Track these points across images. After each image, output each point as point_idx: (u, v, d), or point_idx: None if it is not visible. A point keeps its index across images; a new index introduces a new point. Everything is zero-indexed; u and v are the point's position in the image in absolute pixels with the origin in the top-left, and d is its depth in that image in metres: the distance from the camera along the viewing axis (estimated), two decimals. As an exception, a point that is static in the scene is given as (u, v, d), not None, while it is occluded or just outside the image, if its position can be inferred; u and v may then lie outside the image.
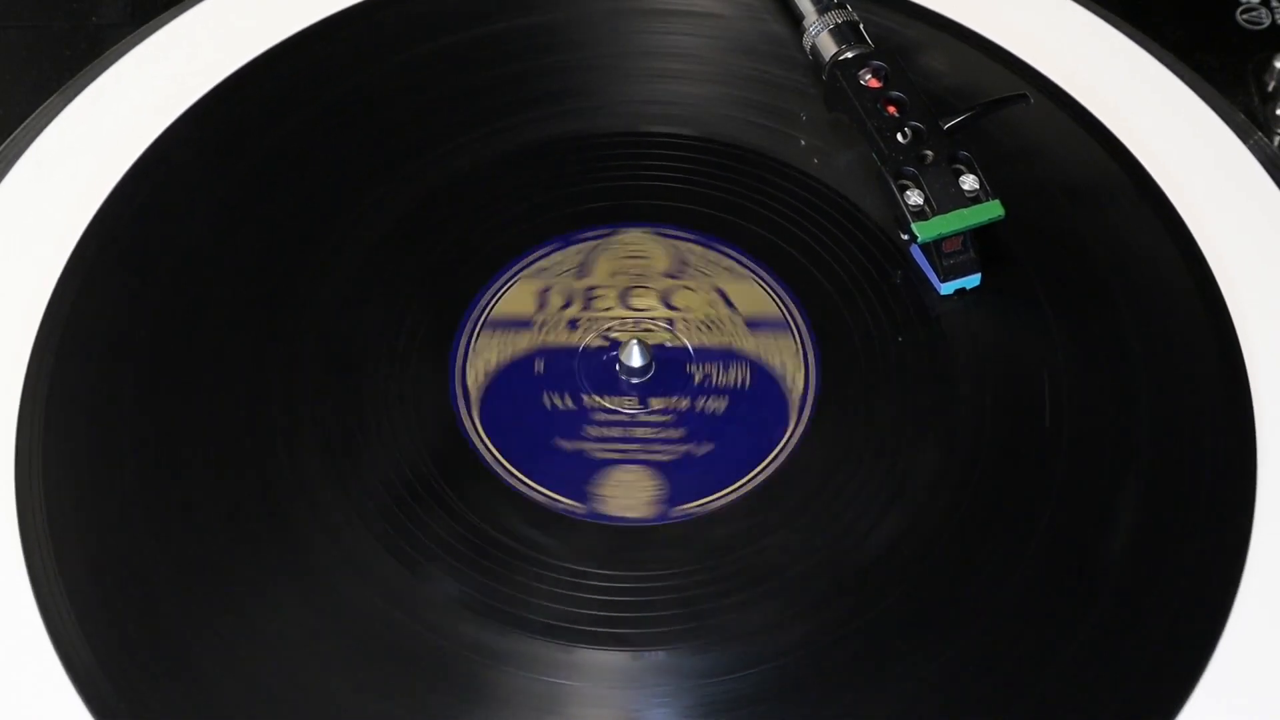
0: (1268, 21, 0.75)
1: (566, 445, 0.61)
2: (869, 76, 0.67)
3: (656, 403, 0.63)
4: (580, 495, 0.60)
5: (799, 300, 0.65)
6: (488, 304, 0.64)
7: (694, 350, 0.64)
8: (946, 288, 0.65)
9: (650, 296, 0.65)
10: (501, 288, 0.65)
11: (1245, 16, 0.75)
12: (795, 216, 0.67)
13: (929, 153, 0.64)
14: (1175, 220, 0.67)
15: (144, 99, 0.70)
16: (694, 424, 0.62)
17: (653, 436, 0.62)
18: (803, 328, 0.64)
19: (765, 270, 0.66)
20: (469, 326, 0.64)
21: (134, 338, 0.63)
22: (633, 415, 0.62)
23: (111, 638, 0.56)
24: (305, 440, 0.61)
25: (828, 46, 0.69)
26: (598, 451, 0.61)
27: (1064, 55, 0.72)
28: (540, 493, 0.60)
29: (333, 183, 0.68)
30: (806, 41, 0.70)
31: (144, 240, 0.66)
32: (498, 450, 0.61)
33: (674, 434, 0.62)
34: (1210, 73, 0.72)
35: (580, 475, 0.61)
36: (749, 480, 0.61)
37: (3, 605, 0.57)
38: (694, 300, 0.65)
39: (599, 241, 0.66)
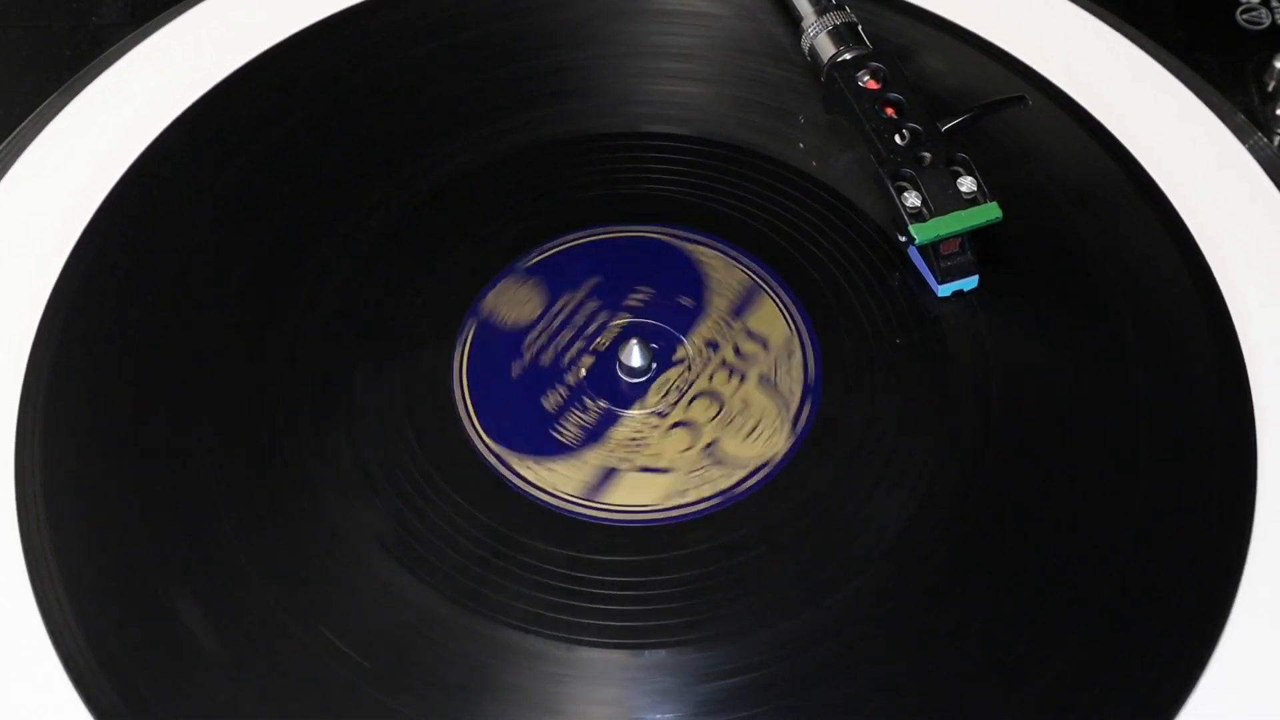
0: (1268, 21, 0.75)
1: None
2: (867, 78, 0.67)
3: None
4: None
5: (799, 300, 0.65)
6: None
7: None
8: (944, 289, 0.65)
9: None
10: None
11: (1245, 16, 0.75)
12: (794, 216, 0.67)
13: (927, 154, 0.64)
14: (1175, 220, 0.67)
15: (144, 99, 0.70)
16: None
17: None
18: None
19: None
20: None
21: (133, 337, 0.63)
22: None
23: (111, 638, 0.56)
24: (305, 440, 0.61)
25: (826, 48, 0.69)
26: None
27: (1064, 56, 0.72)
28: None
29: (332, 182, 0.68)
30: (805, 43, 0.70)
31: (143, 240, 0.66)
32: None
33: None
34: (1210, 73, 0.72)
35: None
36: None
37: (3, 605, 0.57)
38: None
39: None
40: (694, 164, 0.69)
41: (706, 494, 0.60)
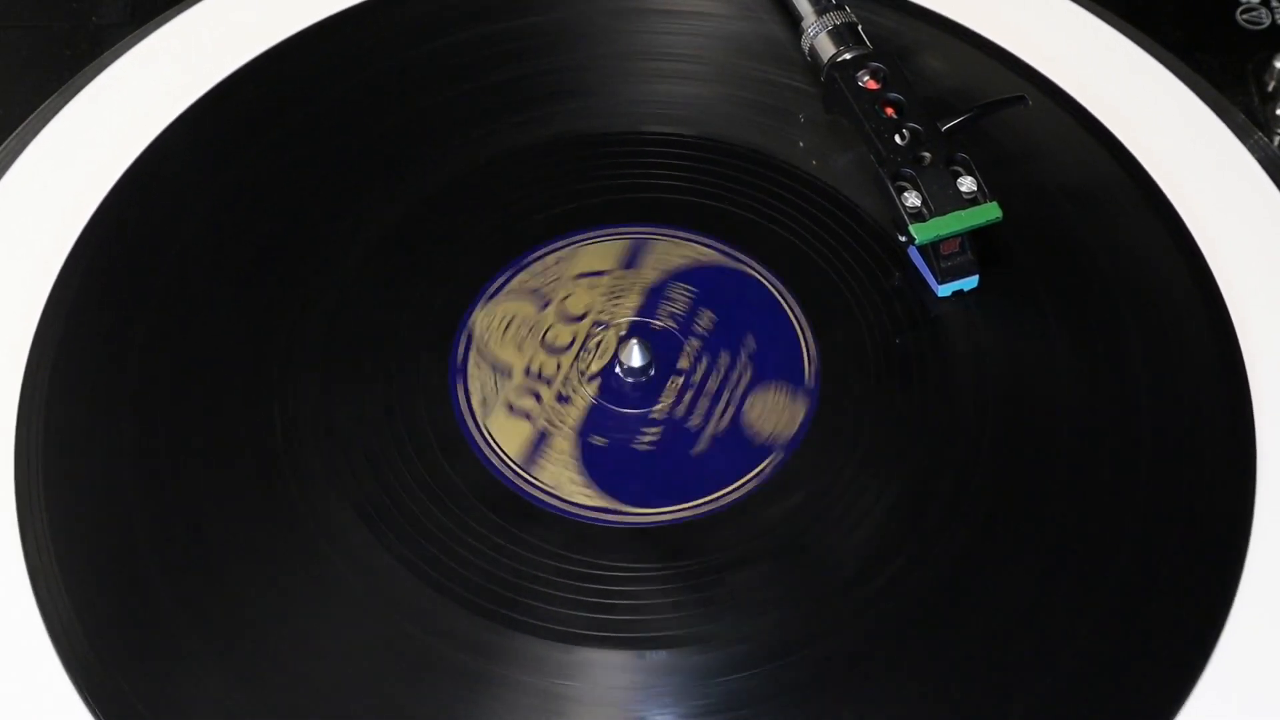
0: (1268, 21, 0.75)
1: (701, 448, 0.62)
2: (867, 78, 0.67)
3: (683, 363, 0.63)
4: (757, 451, 0.61)
5: (799, 300, 0.65)
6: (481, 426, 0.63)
7: (638, 315, 0.65)
8: (944, 289, 0.65)
9: (560, 329, 0.64)
10: (485, 433, 0.63)
11: (1245, 16, 0.75)
12: (794, 216, 0.67)
13: (927, 154, 0.64)
14: (1175, 220, 0.67)
15: (144, 99, 0.70)
16: (719, 340, 0.64)
17: (722, 375, 0.63)
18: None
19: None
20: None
21: (133, 337, 0.63)
22: (690, 383, 0.63)
23: (112, 637, 0.56)
24: (306, 440, 0.61)
25: (826, 48, 0.69)
26: (719, 423, 0.62)
27: (1064, 55, 0.72)
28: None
29: (332, 183, 0.68)
30: (805, 43, 0.70)
31: (143, 240, 0.66)
32: (661, 507, 0.61)
33: (725, 359, 0.63)
34: (1210, 73, 0.72)
35: (737, 443, 0.61)
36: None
37: (3, 605, 0.57)
38: (581, 298, 0.65)
39: (472, 350, 0.64)
40: (693, 164, 0.69)
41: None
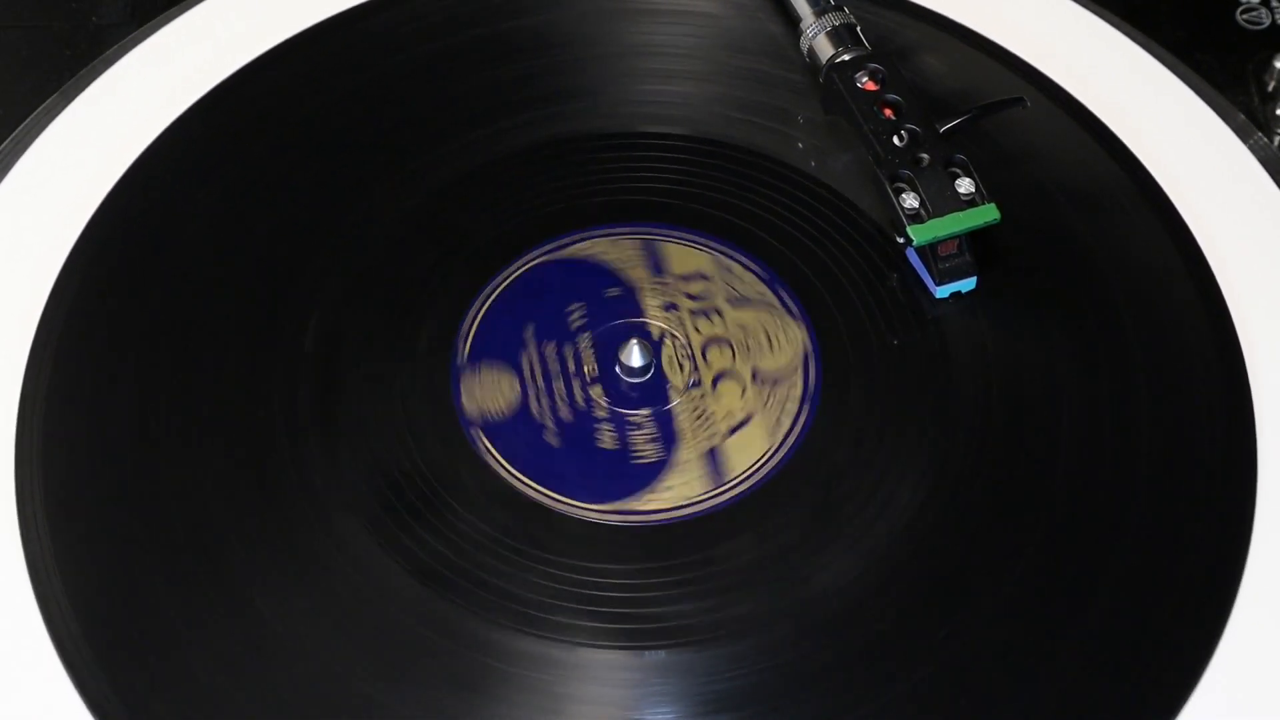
0: (1268, 21, 0.75)
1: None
2: (865, 79, 0.67)
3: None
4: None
5: (798, 300, 0.65)
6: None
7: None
8: (942, 291, 0.65)
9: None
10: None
11: (1245, 16, 0.75)
12: (792, 218, 0.67)
13: (925, 156, 0.64)
14: (1175, 220, 0.67)
15: (144, 99, 0.70)
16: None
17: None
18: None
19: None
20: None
21: (133, 337, 0.63)
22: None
23: (112, 638, 0.56)
24: (306, 439, 0.61)
25: (825, 49, 0.69)
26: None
27: (1064, 55, 0.72)
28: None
29: (332, 183, 0.68)
30: (804, 44, 0.70)
31: (143, 240, 0.66)
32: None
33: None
34: (1210, 73, 0.72)
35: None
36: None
37: (3, 606, 0.57)
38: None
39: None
40: (692, 164, 0.69)
41: (794, 409, 0.61)
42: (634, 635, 0.57)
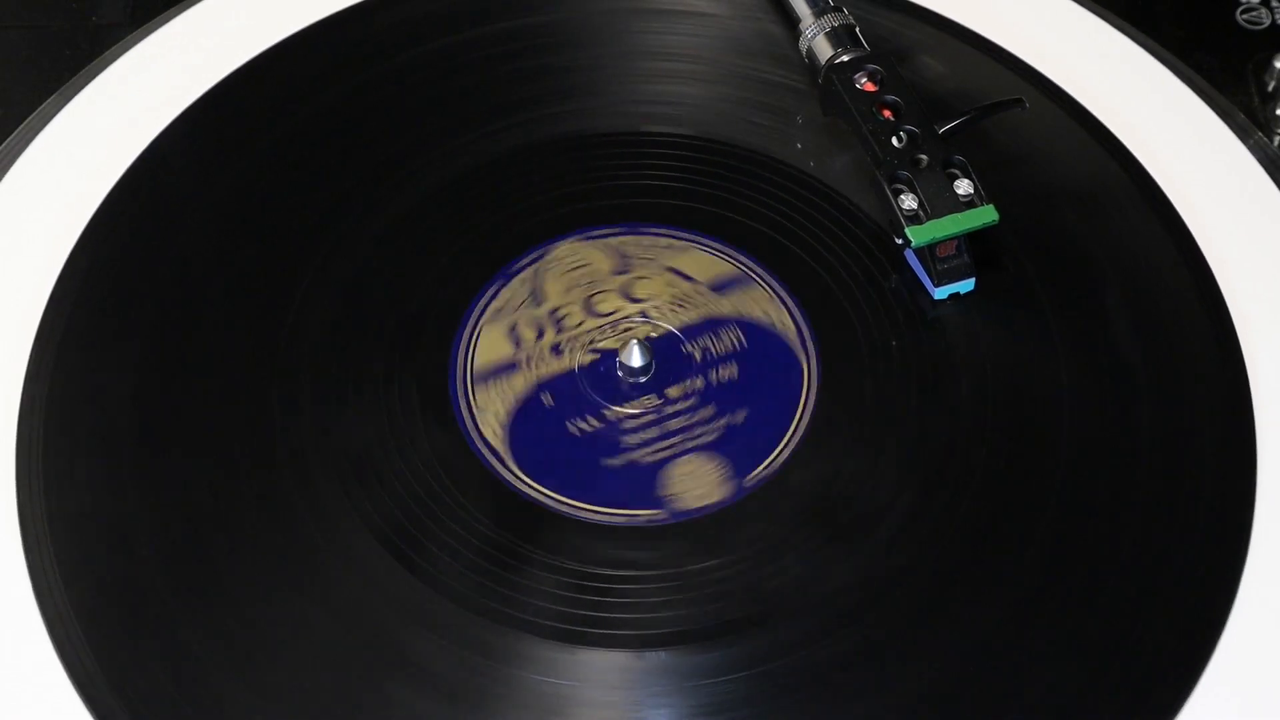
0: (1268, 21, 0.75)
1: (615, 462, 0.61)
2: (864, 80, 0.67)
3: (674, 391, 0.63)
4: (653, 502, 0.60)
5: (798, 300, 0.65)
6: (468, 360, 0.63)
7: (680, 331, 0.64)
8: (940, 292, 0.65)
9: (612, 298, 0.65)
10: (472, 339, 0.64)
11: (1245, 16, 0.75)
12: (791, 218, 0.67)
13: (924, 157, 0.64)
14: (1175, 220, 0.67)
15: (144, 99, 0.70)
16: (719, 396, 0.63)
17: (689, 423, 0.62)
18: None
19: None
20: (461, 377, 0.63)
21: (134, 337, 0.63)
22: (659, 411, 0.62)
23: (112, 637, 0.56)
24: (306, 439, 0.61)
25: (823, 50, 0.69)
26: (646, 456, 0.61)
27: (1063, 55, 0.72)
28: (594, 511, 0.60)
29: (332, 182, 0.68)
30: (802, 45, 0.70)
31: (143, 240, 0.66)
32: (547, 488, 0.61)
33: (706, 413, 0.62)
34: (1210, 73, 0.72)
35: (643, 483, 0.61)
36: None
37: (3, 606, 0.57)
38: (653, 286, 0.65)
39: (535, 265, 0.65)
40: (692, 164, 0.69)
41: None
42: (634, 635, 0.57)
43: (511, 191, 0.68)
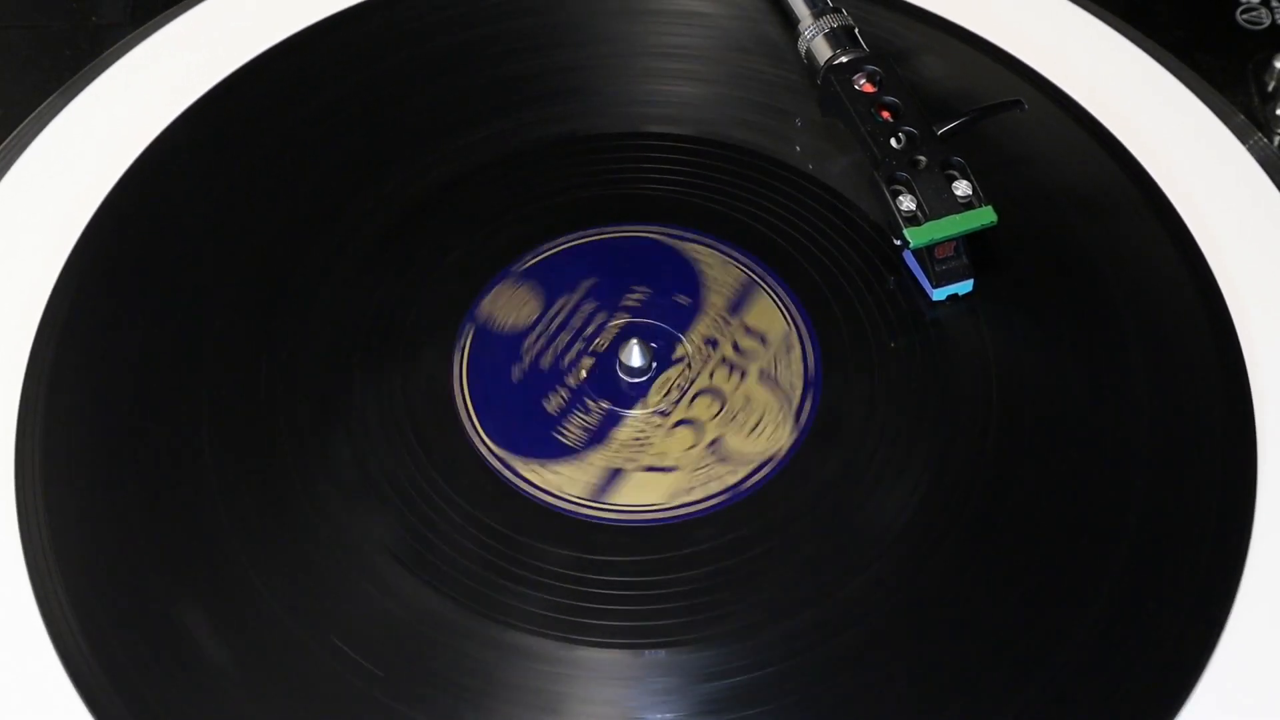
0: (1268, 21, 0.75)
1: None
2: (863, 81, 0.67)
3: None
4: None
5: (797, 300, 0.65)
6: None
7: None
8: (939, 293, 0.65)
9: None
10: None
11: (1245, 16, 0.75)
12: (791, 218, 0.67)
13: (922, 158, 0.64)
14: (1174, 220, 0.67)
15: (144, 99, 0.70)
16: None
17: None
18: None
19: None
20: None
21: (133, 337, 0.63)
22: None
23: (111, 638, 0.56)
24: (307, 441, 0.61)
25: (822, 51, 0.69)
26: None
27: (1063, 56, 0.72)
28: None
29: (331, 183, 0.68)
30: (801, 46, 0.70)
31: (144, 240, 0.66)
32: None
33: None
34: (1210, 73, 0.72)
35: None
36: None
37: (3, 606, 0.57)
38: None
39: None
40: (692, 164, 0.69)
41: (713, 490, 0.60)
42: (634, 635, 0.57)
43: (512, 191, 0.68)
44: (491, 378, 0.63)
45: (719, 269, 0.66)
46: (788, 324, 0.64)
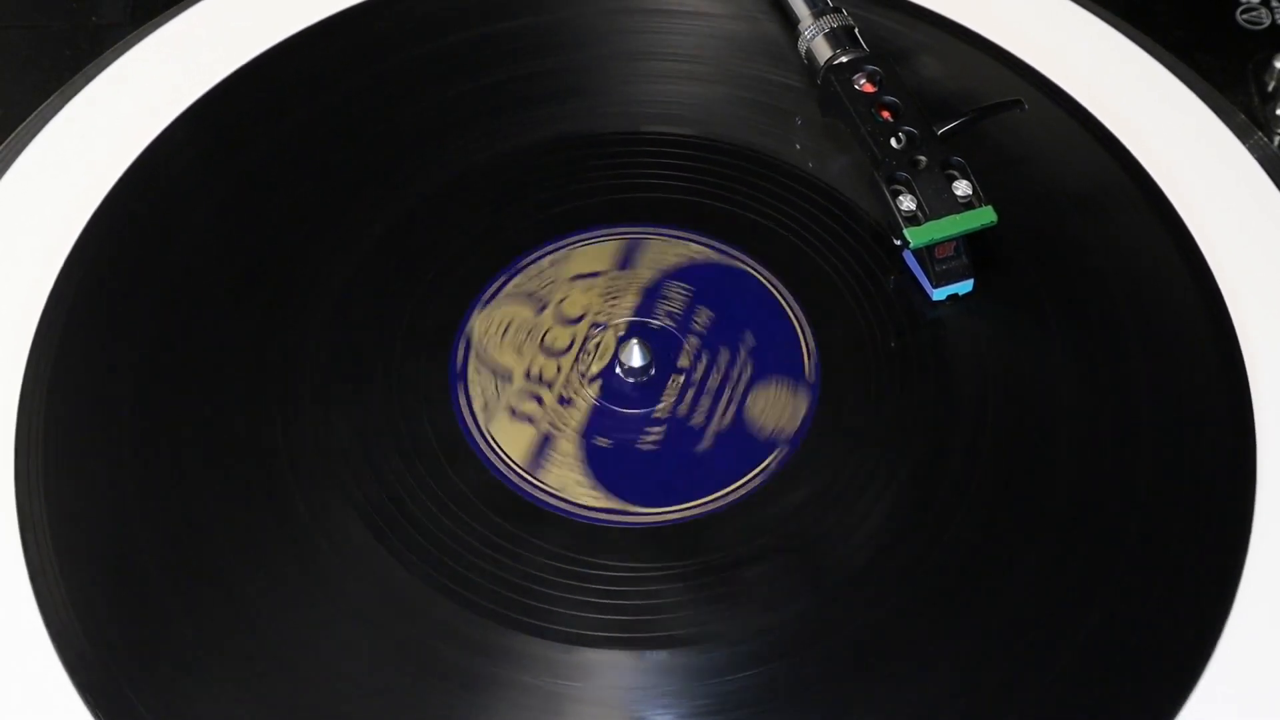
0: (1268, 21, 0.75)
1: (705, 445, 0.62)
2: (863, 81, 0.67)
3: (683, 361, 0.64)
4: (764, 447, 0.61)
5: (798, 299, 0.65)
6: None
7: (636, 314, 0.65)
8: (939, 293, 0.65)
9: (558, 331, 0.64)
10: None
11: (1245, 16, 0.75)
12: (791, 218, 0.67)
13: (922, 158, 0.64)
14: (1175, 220, 0.67)
15: (144, 99, 0.70)
16: (717, 338, 0.64)
17: (721, 373, 0.63)
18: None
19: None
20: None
21: (133, 337, 0.63)
22: (690, 381, 0.63)
23: (112, 638, 0.56)
24: (307, 440, 0.61)
25: (822, 51, 0.69)
26: (722, 419, 0.62)
27: (1063, 56, 0.72)
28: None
29: (331, 183, 0.68)
30: (801, 46, 0.70)
31: (143, 240, 0.66)
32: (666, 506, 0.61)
33: (724, 357, 0.63)
34: (1210, 73, 0.72)
35: (741, 440, 0.61)
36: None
37: (3, 605, 0.57)
38: (579, 299, 0.65)
39: (471, 356, 0.64)
40: (691, 164, 0.69)
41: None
42: (634, 635, 0.57)
43: (511, 191, 0.68)
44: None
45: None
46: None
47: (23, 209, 0.67)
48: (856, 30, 0.69)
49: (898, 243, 0.64)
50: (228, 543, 0.59)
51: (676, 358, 0.64)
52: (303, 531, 0.59)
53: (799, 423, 0.62)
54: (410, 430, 0.61)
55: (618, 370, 0.63)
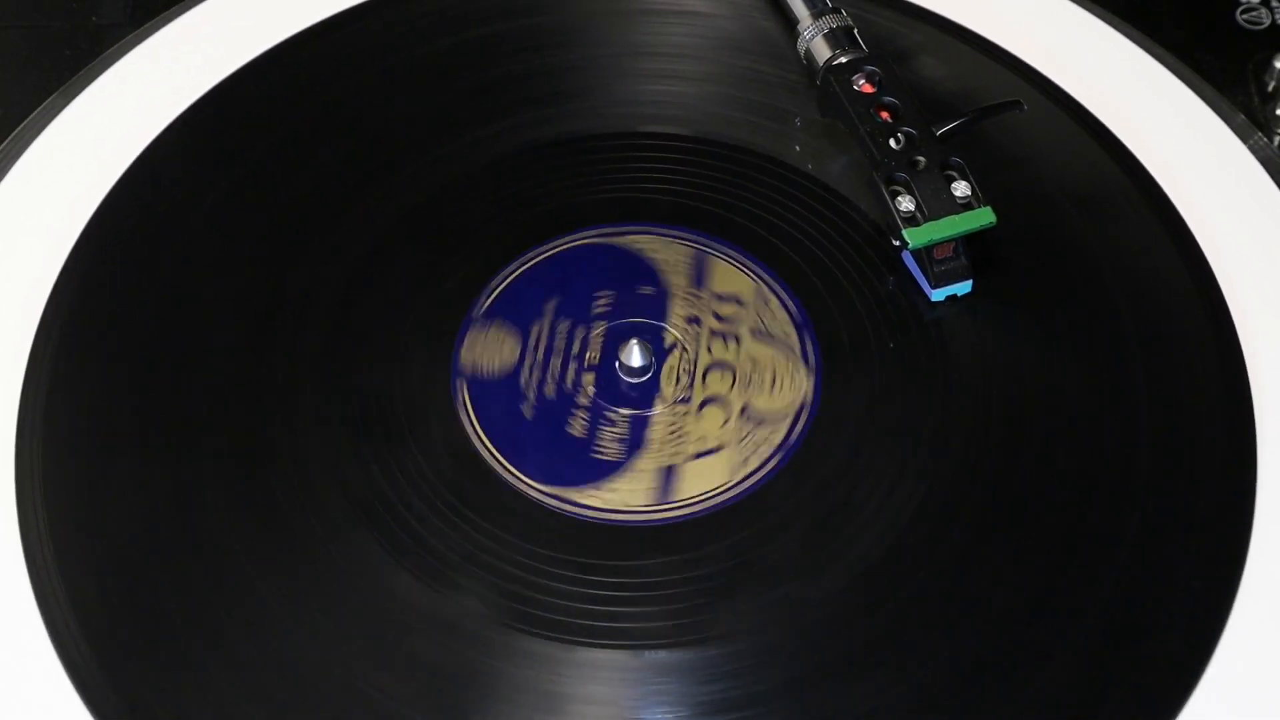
0: (1268, 21, 0.75)
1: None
2: (862, 82, 0.67)
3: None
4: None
5: (798, 300, 0.65)
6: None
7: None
8: (938, 294, 0.65)
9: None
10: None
11: (1245, 16, 0.75)
12: (790, 219, 0.67)
13: (921, 159, 0.64)
14: (1174, 221, 0.67)
15: (144, 99, 0.70)
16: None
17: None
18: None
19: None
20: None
21: (133, 337, 0.63)
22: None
23: (112, 637, 0.56)
24: (308, 440, 0.61)
25: (821, 51, 0.69)
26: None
27: (1063, 56, 0.72)
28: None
29: (331, 183, 0.68)
30: (801, 46, 0.70)
31: (143, 240, 0.66)
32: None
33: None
34: (1210, 73, 0.72)
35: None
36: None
37: (3, 605, 0.57)
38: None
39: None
40: (690, 164, 0.69)
41: (766, 454, 0.61)
42: (634, 635, 0.57)
43: (511, 192, 0.68)
44: (506, 423, 0.62)
45: (665, 251, 0.66)
46: (752, 278, 0.65)
47: (23, 209, 0.67)
48: (855, 31, 0.69)
49: (897, 243, 0.64)
50: (227, 543, 0.58)
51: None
52: (302, 530, 0.59)
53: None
54: (411, 430, 0.61)
55: (617, 369, 0.63)
